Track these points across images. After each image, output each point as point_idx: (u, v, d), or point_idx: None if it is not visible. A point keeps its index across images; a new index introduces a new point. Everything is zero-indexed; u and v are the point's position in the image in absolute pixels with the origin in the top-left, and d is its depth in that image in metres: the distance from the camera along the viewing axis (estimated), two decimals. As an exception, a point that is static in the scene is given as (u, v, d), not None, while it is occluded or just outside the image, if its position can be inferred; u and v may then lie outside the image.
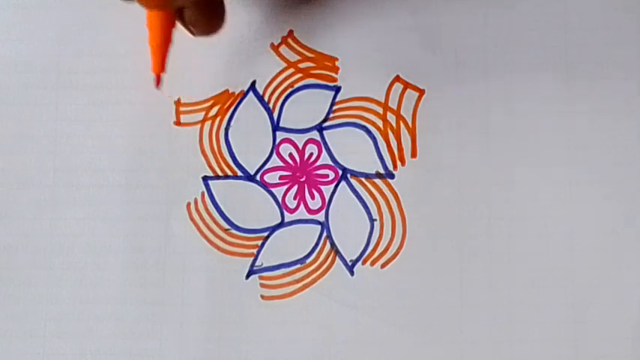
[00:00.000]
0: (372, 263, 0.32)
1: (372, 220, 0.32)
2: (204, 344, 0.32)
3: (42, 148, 0.33)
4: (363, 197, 0.32)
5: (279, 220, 0.32)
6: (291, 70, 0.33)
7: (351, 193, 0.33)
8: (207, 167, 0.33)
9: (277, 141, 0.33)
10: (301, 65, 0.33)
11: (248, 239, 0.32)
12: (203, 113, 0.33)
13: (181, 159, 0.32)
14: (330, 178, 0.33)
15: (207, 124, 0.33)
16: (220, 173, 0.33)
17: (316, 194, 0.33)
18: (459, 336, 0.32)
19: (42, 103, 0.33)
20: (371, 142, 0.33)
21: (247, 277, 0.32)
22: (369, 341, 0.32)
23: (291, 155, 0.33)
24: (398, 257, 0.32)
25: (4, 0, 0.33)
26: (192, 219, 0.32)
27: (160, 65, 0.31)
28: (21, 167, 0.33)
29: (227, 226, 0.32)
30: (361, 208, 0.32)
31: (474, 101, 0.33)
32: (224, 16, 0.31)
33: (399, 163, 0.33)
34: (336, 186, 0.33)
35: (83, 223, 0.32)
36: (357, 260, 0.32)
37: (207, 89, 0.33)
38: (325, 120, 0.33)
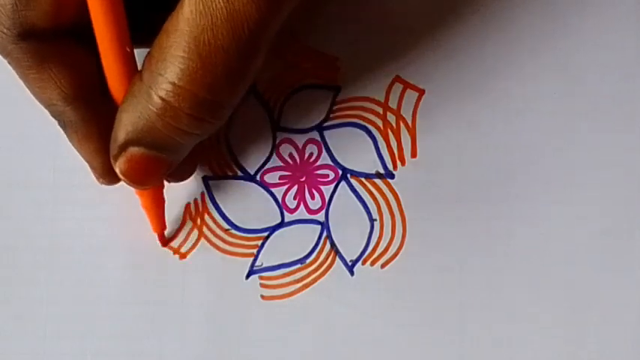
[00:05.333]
0: (372, 263, 0.32)
1: (372, 220, 0.32)
2: (204, 344, 0.32)
3: (42, 148, 0.33)
4: (363, 197, 0.32)
5: (279, 220, 0.32)
6: (291, 70, 0.33)
7: (351, 193, 0.33)
8: (207, 167, 0.33)
9: (277, 141, 0.33)
10: (301, 65, 0.33)
11: (248, 239, 0.32)
12: (203, 113, 0.33)
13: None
14: (330, 178, 0.33)
15: (207, 124, 0.33)
16: (220, 173, 0.33)
17: (316, 194, 0.33)
18: (459, 336, 0.32)
19: (42, 103, 0.33)
20: (371, 142, 0.33)
21: (247, 277, 0.32)
22: (369, 341, 0.32)
23: (291, 155, 0.33)
24: (398, 257, 0.32)
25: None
26: (192, 219, 0.32)
27: (159, 225, 0.31)
28: (21, 167, 0.33)
29: (227, 226, 0.32)
30: (361, 208, 0.32)
31: (474, 101, 0.33)
32: (196, 166, 0.32)
33: (399, 163, 0.33)
34: (336, 186, 0.33)
35: (83, 223, 0.32)
36: (357, 260, 0.32)
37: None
38: (325, 120, 0.33)
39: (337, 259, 0.32)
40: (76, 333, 0.32)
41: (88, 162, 0.29)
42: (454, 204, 0.32)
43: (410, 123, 0.33)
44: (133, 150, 0.27)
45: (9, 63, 0.28)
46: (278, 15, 0.25)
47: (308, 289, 0.32)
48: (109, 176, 0.29)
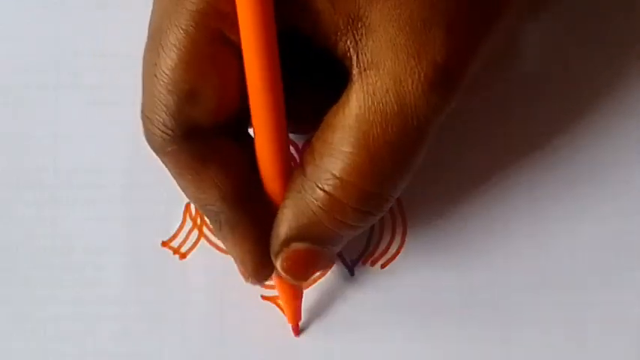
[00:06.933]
0: (372, 263, 0.32)
1: (372, 220, 0.32)
2: (204, 344, 0.32)
3: (42, 148, 0.33)
4: (363, 197, 0.32)
5: (279, 220, 0.32)
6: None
7: (351, 193, 0.32)
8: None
9: (277, 141, 0.33)
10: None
11: (248, 239, 0.32)
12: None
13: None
14: (330, 178, 0.33)
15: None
16: (220, 173, 0.33)
17: (316, 194, 0.33)
18: (459, 336, 0.32)
19: (42, 103, 0.33)
20: (371, 142, 0.33)
21: (247, 277, 0.32)
22: (369, 341, 0.32)
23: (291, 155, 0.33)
24: (398, 257, 0.32)
25: (4, 0, 0.33)
26: (192, 219, 0.32)
27: (296, 317, 0.31)
28: (21, 167, 0.33)
29: (227, 226, 0.32)
30: (361, 208, 0.32)
31: (474, 102, 0.33)
32: None
33: (399, 163, 0.33)
34: (336, 186, 0.33)
35: (83, 223, 0.32)
36: (357, 260, 0.32)
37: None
38: (325, 120, 0.33)
39: (337, 259, 0.32)
40: (76, 333, 0.32)
41: (240, 262, 0.28)
42: (454, 204, 0.32)
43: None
44: (296, 246, 0.27)
45: (165, 163, 0.27)
46: (447, 107, 0.25)
47: (308, 289, 0.32)
48: (260, 275, 0.28)
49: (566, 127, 0.32)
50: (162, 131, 0.26)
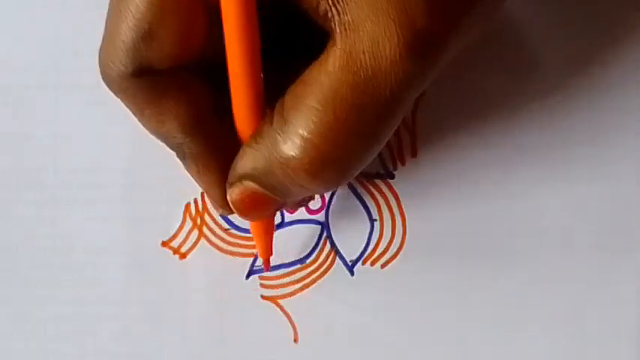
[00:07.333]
0: (372, 263, 0.32)
1: (372, 220, 0.32)
2: (204, 344, 0.32)
3: (42, 148, 0.33)
4: (363, 197, 0.32)
5: (279, 220, 0.32)
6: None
7: (351, 193, 0.33)
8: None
9: (277, 141, 0.33)
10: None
11: (248, 239, 0.32)
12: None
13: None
14: (330, 178, 0.33)
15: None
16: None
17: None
18: (459, 336, 0.32)
19: (42, 103, 0.33)
20: (371, 142, 0.33)
21: (247, 277, 0.32)
22: (369, 341, 0.32)
23: (291, 155, 0.33)
24: (398, 257, 0.32)
25: (4, 0, 0.33)
26: (192, 219, 0.32)
27: (267, 252, 0.31)
28: (21, 167, 0.33)
29: (227, 226, 0.32)
30: (361, 208, 0.32)
31: (474, 101, 0.33)
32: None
33: (399, 163, 0.33)
34: (336, 186, 0.33)
35: (83, 223, 0.32)
36: (357, 260, 0.32)
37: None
38: (325, 120, 0.33)
39: (337, 259, 0.32)
40: (76, 333, 0.32)
41: (207, 192, 0.28)
42: (454, 204, 0.32)
43: (410, 123, 0.33)
44: (248, 184, 0.26)
45: (121, 99, 0.27)
46: (423, 80, 0.25)
47: (308, 289, 0.32)
48: (228, 206, 0.28)
49: (565, 114, 0.32)
50: (117, 68, 0.25)
